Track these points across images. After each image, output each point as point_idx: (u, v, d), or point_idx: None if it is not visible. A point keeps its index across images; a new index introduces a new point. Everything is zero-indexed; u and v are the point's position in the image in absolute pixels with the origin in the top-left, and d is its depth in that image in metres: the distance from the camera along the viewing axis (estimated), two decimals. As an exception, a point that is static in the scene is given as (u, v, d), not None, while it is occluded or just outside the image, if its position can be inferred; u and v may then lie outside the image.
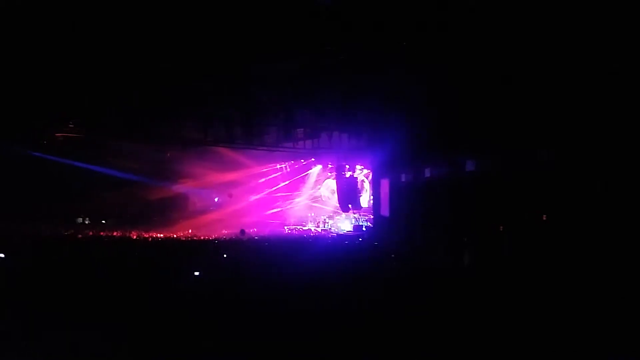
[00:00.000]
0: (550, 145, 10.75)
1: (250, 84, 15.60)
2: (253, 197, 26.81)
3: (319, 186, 26.69)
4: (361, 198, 22.98)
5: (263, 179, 26.79)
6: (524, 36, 10.23)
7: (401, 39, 11.47)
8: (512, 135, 12.02)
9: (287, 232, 23.97)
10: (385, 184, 19.51)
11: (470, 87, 13.02)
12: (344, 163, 22.62)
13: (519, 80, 11.35)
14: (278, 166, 26.53)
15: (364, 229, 21.97)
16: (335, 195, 24.27)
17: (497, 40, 10.92)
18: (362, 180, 23.90)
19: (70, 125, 17.52)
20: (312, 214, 26.14)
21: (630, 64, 8.37)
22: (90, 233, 18.72)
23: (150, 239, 17.12)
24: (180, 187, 25.70)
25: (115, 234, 18.86)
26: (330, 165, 24.83)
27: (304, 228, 24.87)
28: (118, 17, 10.86)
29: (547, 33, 9.63)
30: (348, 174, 22.68)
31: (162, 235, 19.09)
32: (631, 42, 8.29)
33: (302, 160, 25.57)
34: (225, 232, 20.93)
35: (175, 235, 18.98)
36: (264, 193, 26.95)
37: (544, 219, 10.94)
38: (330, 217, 25.25)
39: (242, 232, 20.35)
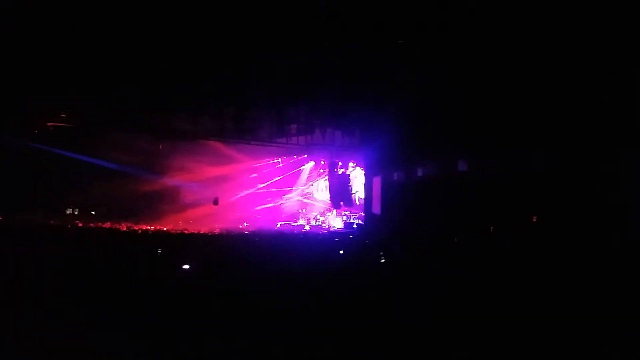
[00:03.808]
0: (543, 147, 10.80)
1: (245, 79, 15.57)
2: (245, 192, 26.76)
3: (311, 182, 26.69)
4: (353, 195, 22.99)
5: (255, 174, 26.73)
6: (519, 38, 10.26)
7: (398, 38, 11.48)
8: (505, 136, 12.07)
9: (278, 227, 23.97)
10: (377, 182, 19.54)
11: (464, 88, 13.07)
12: (337, 160, 22.63)
13: (513, 82, 11.39)
14: (270, 161, 26.49)
15: (354, 226, 21.97)
16: (327, 196, 24.32)
17: (492, 42, 10.96)
18: (355, 177, 23.91)
19: (62, 115, 17.40)
20: (304, 210, 26.14)
21: (630, 65, 8.35)
22: (80, 224, 18.59)
23: (140, 231, 17.01)
24: (171, 180, 25.57)
25: (104, 225, 18.73)
26: (323, 162, 24.83)
27: (296, 224, 24.87)
28: (111, 11, 10.81)
29: (543, 34, 9.65)
30: (340, 171, 22.69)
31: (152, 227, 18.99)
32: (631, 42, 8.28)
33: (295, 156, 25.55)
34: (216, 227, 20.86)
35: (165, 229, 18.88)
36: (256, 188, 26.90)
37: (535, 220, 11.00)
38: (321, 214, 25.27)
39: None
